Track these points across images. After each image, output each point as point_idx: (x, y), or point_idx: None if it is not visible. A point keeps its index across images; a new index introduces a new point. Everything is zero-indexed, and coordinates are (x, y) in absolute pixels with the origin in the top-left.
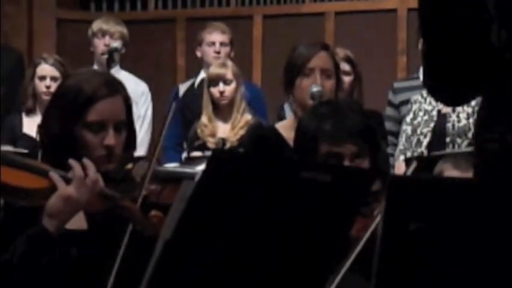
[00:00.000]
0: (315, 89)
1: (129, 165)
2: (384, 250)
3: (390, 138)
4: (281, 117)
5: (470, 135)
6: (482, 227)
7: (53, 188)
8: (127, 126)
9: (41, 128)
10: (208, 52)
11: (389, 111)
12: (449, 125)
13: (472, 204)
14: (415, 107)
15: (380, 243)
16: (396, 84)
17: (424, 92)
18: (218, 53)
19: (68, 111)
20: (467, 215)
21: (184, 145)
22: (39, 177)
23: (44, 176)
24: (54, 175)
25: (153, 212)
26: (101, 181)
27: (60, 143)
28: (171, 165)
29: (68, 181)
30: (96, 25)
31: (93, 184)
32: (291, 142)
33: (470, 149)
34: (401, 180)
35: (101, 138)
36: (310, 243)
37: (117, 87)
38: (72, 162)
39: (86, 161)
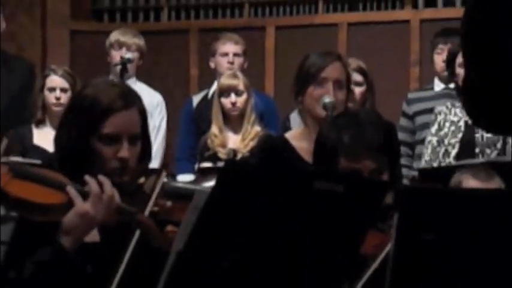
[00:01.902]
0: (327, 99)
1: (142, 179)
2: (396, 260)
3: (404, 149)
4: (286, 128)
5: (499, 145)
6: (495, 237)
7: (69, 204)
8: (142, 138)
9: (56, 137)
10: (221, 63)
11: (403, 121)
12: (477, 135)
13: (485, 214)
14: (440, 117)
15: (393, 253)
16: (410, 95)
17: (449, 103)
18: (231, 63)
19: (83, 122)
20: (480, 225)
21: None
22: (56, 192)
23: (60, 190)
24: (72, 190)
25: (169, 228)
26: (118, 197)
27: (74, 153)
28: (185, 177)
29: (85, 196)
30: (114, 36)
31: (110, 200)
32: (301, 152)
33: (483, 160)
34: (414, 191)
35: (115, 150)
36: (323, 253)
37: (133, 100)
38: (88, 178)
39: (102, 177)
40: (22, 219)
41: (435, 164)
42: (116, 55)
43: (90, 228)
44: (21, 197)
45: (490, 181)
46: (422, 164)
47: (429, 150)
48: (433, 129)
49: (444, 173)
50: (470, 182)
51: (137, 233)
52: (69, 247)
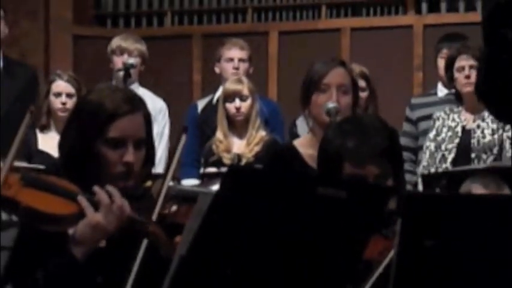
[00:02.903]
0: (330, 105)
1: (149, 183)
2: (400, 265)
3: (407, 154)
4: (293, 134)
5: (495, 151)
6: (498, 242)
7: (80, 214)
8: (146, 143)
9: (60, 141)
10: (226, 68)
11: (406, 127)
12: (474, 141)
13: (488, 220)
14: (438, 123)
15: (396, 259)
16: (414, 100)
17: (447, 109)
18: (237, 69)
19: (88, 127)
20: (483, 230)
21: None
22: (67, 202)
23: (71, 200)
24: (83, 200)
25: (179, 238)
26: (128, 207)
27: (79, 157)
28: (189, 182)
29: (96, 206)
30: (115, 42)
31: (121, 211)
32: (308, 159)
33: (484, 165)
34: (417, 196)
35: (121, 154)
36: (326, 258)
37: (138, 104)
38: (97, 189)
39: (111, 188)
40: (27, 227)
41: (432, 170)
42: (118, 61)
43: (101, 239)
44: (32, 206)
45: (500, 191)
46: (420, 169)
47: (427, 156)
48: (431, 134)
49: (447, 178)
50: (481, 191)
51: (144, 242)
52: (80, 257)
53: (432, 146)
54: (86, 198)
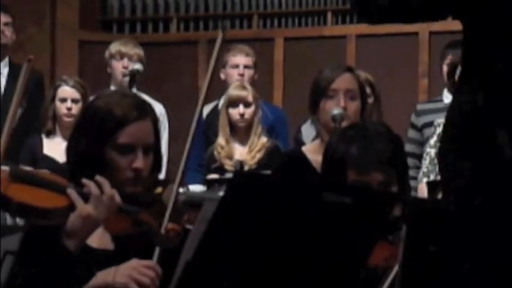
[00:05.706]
0: (336, 111)
1: (159, 189)
2: (405, 271)
3: (413, 161)
4: (298, 140)
5: None
6: (501, 247)
7: (71, 206)
8: (154, 149)
9: (68, 147)
10: (232, 74)
11: (411, 133)
12: None
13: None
14: (439, 129)
15: (401, 265)
16: (419, 107)
17: None
18: (242, 75)
19: (97, 133)
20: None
21: None
22: (57, 195)
23: (61, 193)
24: (73, 193)
25: (170, 225)
26: (118, 196)
27: (88, 163)
28: (194, 187)
29: (85, 198)
30: (114, 47)
31: (111, 200)
32: (316, 165)
33: None
34: (421, 203)
35: (130, 160)
36: (331, 265)
37: (147, 110)
38: (86, 181)
39: (100, 178)
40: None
41: (432, 176)
42: (118, 66)
43: (93, 230)
44: (23, 201)
45: None
46: (420, 175)
47: (427, 162)
48: (432, 141)
49: None
50: None
51: (157, 250)
52: (73, 249)
53: (432, 152)
54: (75, 191)
